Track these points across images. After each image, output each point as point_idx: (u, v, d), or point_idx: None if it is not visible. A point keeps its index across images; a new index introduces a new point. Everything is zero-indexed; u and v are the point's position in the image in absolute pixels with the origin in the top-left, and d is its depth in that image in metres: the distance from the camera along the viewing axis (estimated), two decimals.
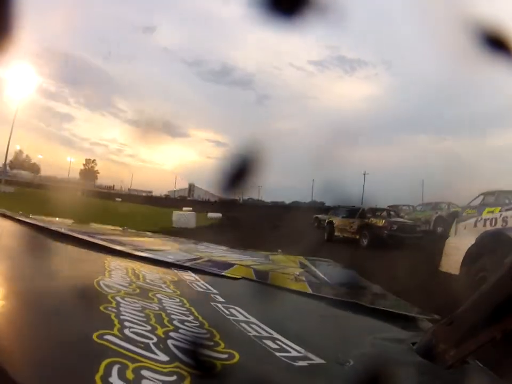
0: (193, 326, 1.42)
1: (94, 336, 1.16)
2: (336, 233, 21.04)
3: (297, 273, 2.74)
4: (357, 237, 19.28)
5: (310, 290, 2.47)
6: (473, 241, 6.28)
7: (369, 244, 18.25)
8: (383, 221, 19.18)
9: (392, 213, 21.93)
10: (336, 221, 21.60)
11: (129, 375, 1.02)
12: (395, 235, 17.90)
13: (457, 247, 6.72)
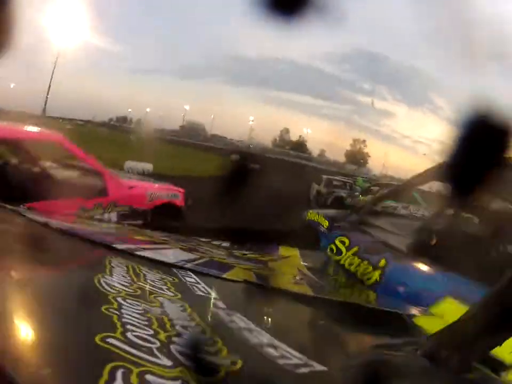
0: (196, 331, 1.42)
1: (97, 339, 1.15)
2: None
3: (298, 275, 2.74)
4: None
5: (311, 293, 2.47)
6: None
7: None
8: None
9: None
10: None
11: (134, 379, 1.01)
12: None
13: None
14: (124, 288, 1.68)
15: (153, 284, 1.89)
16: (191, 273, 2.28)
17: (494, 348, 1.35)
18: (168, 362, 1.12)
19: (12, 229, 2.54)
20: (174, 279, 2.08)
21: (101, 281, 1.67)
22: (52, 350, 1.08)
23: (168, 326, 1.39)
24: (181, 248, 3.41)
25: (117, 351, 1.11)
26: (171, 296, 1.77)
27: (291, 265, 3.67)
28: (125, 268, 2.04)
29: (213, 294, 1.95)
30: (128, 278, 1.87)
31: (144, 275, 2.01)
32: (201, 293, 1.96)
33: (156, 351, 1.17)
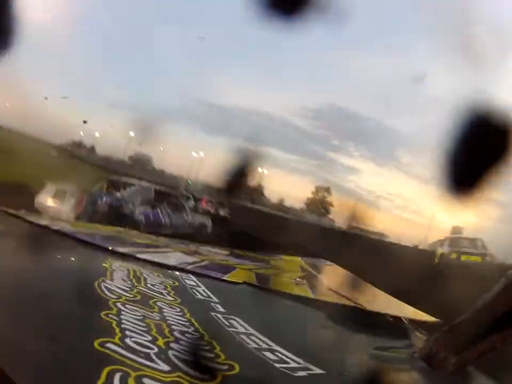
0: (194, 337, 1.43)
1: (96, 344, 1.17)
2: None
3: (298, 277, 2.75)
4: None
5: (311, 295, 2.47)
6: None
7: None
8: None
9: None
10: None
11: (132, 383, 1.03)
12: None
13: None
14: (124, 293, 1.70)
15: (153, 288, 1.91)
16: (192, 276, 2.30)
17: (490, 350, 1.36)
18: (166, 368, 1.14)
19: (12, 231, 2.57)
20: (174, 282, 2.10)
21: (102, 285, 1.69)
22: (51, 353, 1.10)
23: (166, 332, 1.41)
24: (182, 251, 3.43)
25: (115, 355, 1.13)
26: (170, 301, 1.78)
27: (293, 263, 3.69)
28: (126, 272, 2.06)
29: (213, 298, 1.97)
30: (129, 282, 1.89)
31: (145, 279, 2.03)
32: (201, 297, 1.97)
33: (153, 357, 1.18)
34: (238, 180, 1.83)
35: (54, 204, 6.15)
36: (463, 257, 7.96)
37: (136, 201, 7.52)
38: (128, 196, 7.57)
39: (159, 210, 7.73)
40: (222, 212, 9.81)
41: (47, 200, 6.18)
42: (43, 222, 3.18)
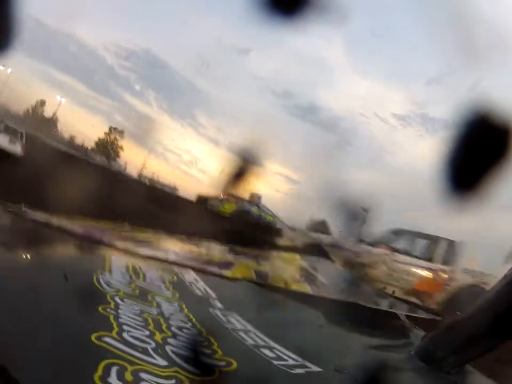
0: (191, 333, 1.43)
1: (93, 337, 1.17)
2: None
3: (297, 274, 2.75)
4: None
5: (310, 291, 2.47)
6: None
7: None
8: None
9: None
10: None
11: (128, 376, 1.03)
12: None
13: None
14: (122, 287, 1.70)
15: (151, 282, 1.91)
16: (191, 272, 2.30)
17: (489, 350, 1.36)
18: (163, 362, 1.14)
19: (13, 227, 2.57)
20: (173, 278, 2.09)
21: (100, 279, 1.69)
22: (49, 346, 1.10)
23: (164, 327, 1.40)
24: (181, 247, 3.43)
25: (113, 349, 1.13)
26: (168, 296, 1.78)
27: (292, 260, 3.69)
28: (125, 266, 2.06)
29: (211, 294, 1.97)
30: (128, 276, 1.89)
31: (144, 273, 2.03)
32: (199, 292, 1.97)
33: (151, 351, 1.18)
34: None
35: None
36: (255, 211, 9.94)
37: None
38: None
39: None
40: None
41: None
42: (42, 217, 3.18)
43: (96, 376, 0.98)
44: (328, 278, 3.05)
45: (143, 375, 1.05)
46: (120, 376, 1.01)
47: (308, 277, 3.04)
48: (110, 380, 0.99)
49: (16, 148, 7.75)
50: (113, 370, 1.03)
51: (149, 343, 1.24)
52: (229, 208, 9.46)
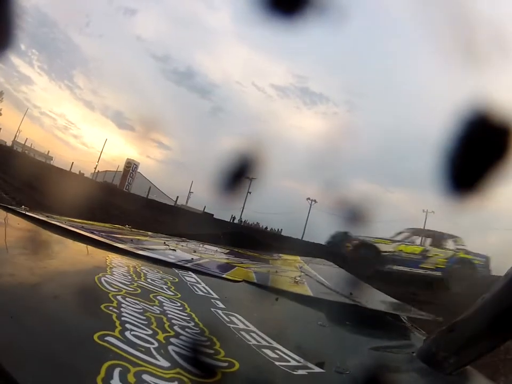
0: (194, 333, 1.42)
1: (95, 337, 1.16)
2: None
3: (298, 276, 2.74)
4: None
5: (310, 293, 2.47)
6: None
7: None
8: None
9: None
10: None
11: (131, 378, 1.02)
12: None
13: None
14: (124, 286, 1.69)
15: (153, 282, 1.90)
16: (192, 273, 2.30)
17: (490, 351, 1.35)
18: (166, 364, 1.13)
19: (14, 228, 2.57)
20: (174, 279, 2.09)
21: (102, 279, 1.69)
22: (51, 346, 1.10)
23: (166, 326, 1.40)
24: (182, 249, 3.43)
25: (115, 349, 1.12)
26: (171, 295, 1.78)
27: (292, 262, 3.69)
28: (126, 267, 2.05)
29: (213, 294, 1.96)
30: (129, 276, 1.88)
31: (145, 274, 2.02)
32: (201, 293, 1.97)
33: (153, 352, 1.17)
34: None
35: None
36: None
37: None
38: None
39: None
40: None
41: None
42: (42, 218, 3.18)
43: (99, 378, 0.97)
44: (329, 279, 3.05)
45: (145, 377, 1.04)
46: (122, 378, 1.00)
47: (308, 277, 3.03)
48: (112, 382, 0.98)
49: None
50: (116, 372, 1.01)
51: (152, 343, 1.22)
52: None
